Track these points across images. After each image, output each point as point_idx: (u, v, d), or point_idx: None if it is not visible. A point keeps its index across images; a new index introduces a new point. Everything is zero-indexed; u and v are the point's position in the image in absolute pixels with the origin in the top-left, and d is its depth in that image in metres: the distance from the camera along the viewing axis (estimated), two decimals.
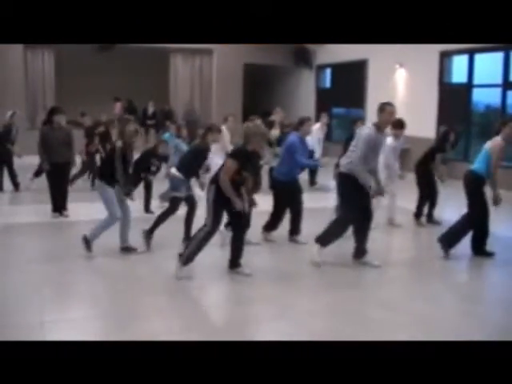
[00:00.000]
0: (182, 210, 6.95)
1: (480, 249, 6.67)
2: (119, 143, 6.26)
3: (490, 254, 6.68)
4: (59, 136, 8.11)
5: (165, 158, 8.53)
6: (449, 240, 6.59)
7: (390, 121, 6.20)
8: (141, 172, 8.17)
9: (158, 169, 8.51)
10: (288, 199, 7.11)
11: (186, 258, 5.65)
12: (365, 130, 6.12)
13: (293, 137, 7.09)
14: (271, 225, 7.21)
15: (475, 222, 6.57)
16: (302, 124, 7.11)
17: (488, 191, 6.56)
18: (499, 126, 6.52)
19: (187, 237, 6.78)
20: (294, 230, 7.23)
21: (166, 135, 10.18)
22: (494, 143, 6.44)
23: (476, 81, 12.66)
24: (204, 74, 18.53)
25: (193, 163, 6.79)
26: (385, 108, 6.00)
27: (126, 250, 6.51)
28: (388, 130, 7.02)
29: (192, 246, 5.67)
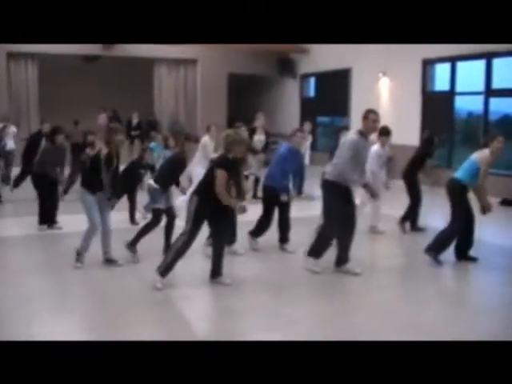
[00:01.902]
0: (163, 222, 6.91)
1: (463, 254, 6.74)
2: (104, 151, 6.24)
3: (473, 259, 6.74)
4: (59, 154, 8.35)
5: (151, 167, 8.50)
6: (436, 248, 6.62)
7: (374, 128, 6.16)
8: (128, 182, 8.13)
9: (142, 177, 8.47)
10: (273, 206, 7.08)
11: (165, 268, 5.62)
12: (349, 136, 6.18)
13: (283, 148, 7.27)
14: (257, 231, 7.19)
15: (459, 229, 6.60)
16: (293, 135, 7.23)
17: (472, 198, 6.62)
18: (487, 140, 6.61)
19: (167, 248, 6.78)
20: (282, 238, 7.22)
21: (153, 144, 10.16)
22: (482, 155, 6.48)
23: (458, 88, 12.79)
24: (188, 83, 18.54)
25: (171, 173, 6.73)
26: (368, 116, 6.06)
27: (108, 261, 6.44)
28: (374, 137, 7.08)
29: (170, 256, 5.64)
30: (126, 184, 8.04)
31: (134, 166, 8.40)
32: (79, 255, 6.31)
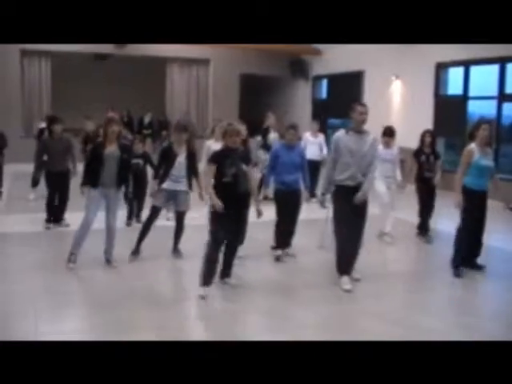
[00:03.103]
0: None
1: (469, 262, 6.60)
2: (91, 145, 6.26)
3: (479, 267, 6.60)
4: (59, 145, 8.11)
5: (144, 156, 8.47)
6: (453, 261, 6.55)
7: (361, 120, 5.86)
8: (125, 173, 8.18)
9: (138, 166, 8.38)
10: (283, 206, 6.91)
11: (203, 277, 5.49)
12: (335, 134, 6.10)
13: (275, 145, 7.40)
14: (276, 241, 6.97)
15: (464, 235, 6.48)
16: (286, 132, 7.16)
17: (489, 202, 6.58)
18: (473, 131, 6.46)
19: (175, 249, 6.82)
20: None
21: None
22: (466, 149, 6.48)
23: (471, 93, 12.71)
24: (200, 83, 18.57)
25: (160, 163, 6.71)
26: (355, 108, 5.92)
27: (107, 261, 6.37)
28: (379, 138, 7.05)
29: (202, 263, 5.53)
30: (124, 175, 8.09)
31: (126, 155, 8.40)
32: (71, 255, 6.20)
